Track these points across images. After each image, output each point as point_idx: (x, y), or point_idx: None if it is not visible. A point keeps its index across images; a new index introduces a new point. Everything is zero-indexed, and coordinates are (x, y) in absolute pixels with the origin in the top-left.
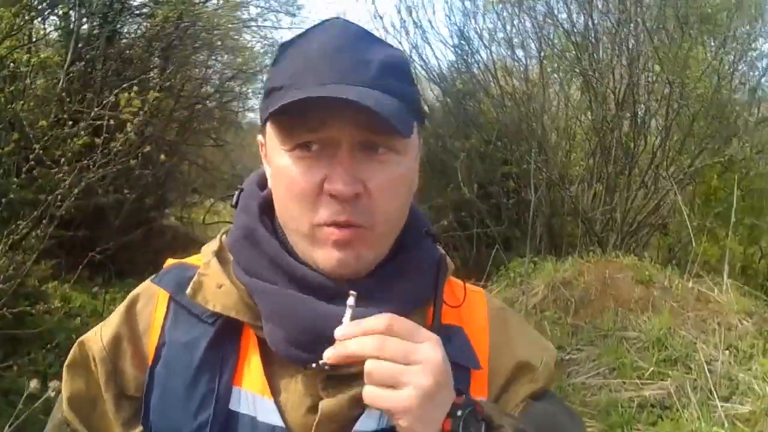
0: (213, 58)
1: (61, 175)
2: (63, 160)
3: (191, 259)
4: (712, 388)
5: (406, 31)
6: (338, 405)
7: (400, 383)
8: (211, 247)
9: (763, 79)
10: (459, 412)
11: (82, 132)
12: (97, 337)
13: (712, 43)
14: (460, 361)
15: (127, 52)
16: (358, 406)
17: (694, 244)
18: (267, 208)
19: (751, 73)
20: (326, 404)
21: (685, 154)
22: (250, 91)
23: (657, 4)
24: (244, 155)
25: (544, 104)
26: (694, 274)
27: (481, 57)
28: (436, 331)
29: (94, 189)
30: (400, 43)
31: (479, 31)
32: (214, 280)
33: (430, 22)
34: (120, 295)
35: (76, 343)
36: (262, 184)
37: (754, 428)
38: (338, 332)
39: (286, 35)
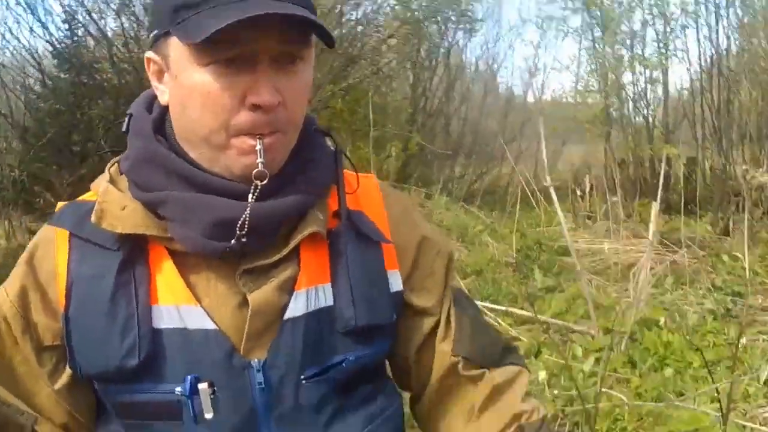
0: None
1: None
2: None
3: (82, 197)
4: None
5: None
6: (266, 295)
7: None
8: (102, 179)
9: None
10: None
11: None
12: (3, 295)
13: None
14: (372, 236)
15: None
16: (284, 294)
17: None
18: (159, 129)
19: None
20: (255, 296)
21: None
22: None
23: None
24: None
25: None
26: None
27: None
28: (342, 214)
29: None
30: None
31: None
32: (116, 205)
33: None
34: None
35: None
36: (149, 106)
37: None
38: None
39: None
